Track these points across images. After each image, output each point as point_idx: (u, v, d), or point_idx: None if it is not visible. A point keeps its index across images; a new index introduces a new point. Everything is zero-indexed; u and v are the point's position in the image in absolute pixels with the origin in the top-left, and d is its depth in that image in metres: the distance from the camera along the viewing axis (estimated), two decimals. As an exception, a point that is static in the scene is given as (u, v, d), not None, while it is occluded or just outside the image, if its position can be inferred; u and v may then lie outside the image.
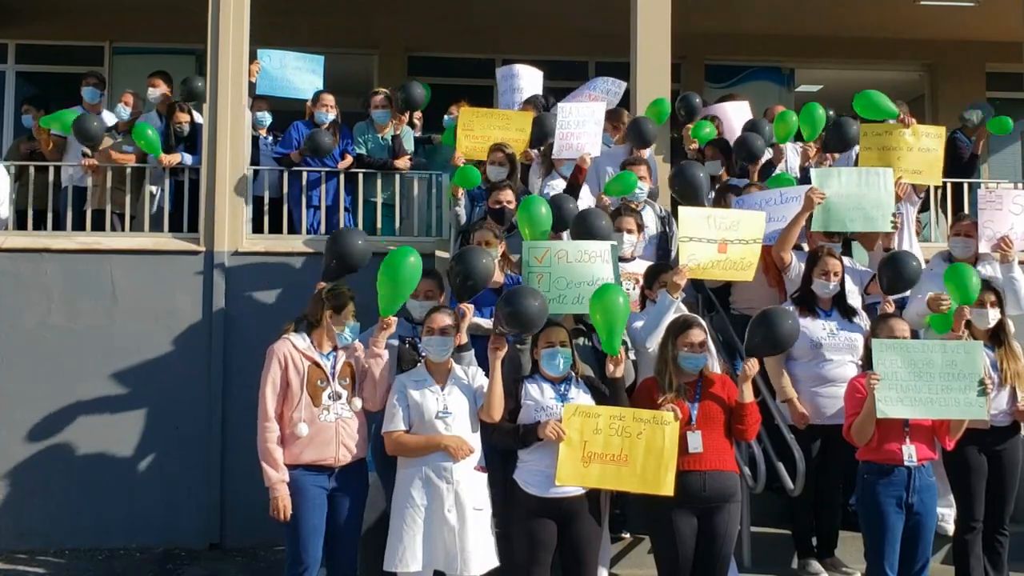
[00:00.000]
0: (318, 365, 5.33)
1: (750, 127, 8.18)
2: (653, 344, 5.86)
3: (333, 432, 5.27)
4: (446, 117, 9.12)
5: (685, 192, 7.01)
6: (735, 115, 9.00)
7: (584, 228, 6.26)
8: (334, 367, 5.35)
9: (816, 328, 6.26)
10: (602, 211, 6.66)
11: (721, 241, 6.10)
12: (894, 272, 6.36)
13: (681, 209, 6.32)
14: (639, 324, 6.01)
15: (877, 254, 7.14)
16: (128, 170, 8.65)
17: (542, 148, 7.86)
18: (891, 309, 6.27)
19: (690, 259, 6.06)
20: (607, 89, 8.59)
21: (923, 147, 7.43)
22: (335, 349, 5.41)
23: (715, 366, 5.76)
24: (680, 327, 5.43)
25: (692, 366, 5.35)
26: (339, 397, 5.31)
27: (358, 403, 5.36)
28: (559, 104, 7.94)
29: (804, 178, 8.00)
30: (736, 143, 8.14)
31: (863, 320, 6.38)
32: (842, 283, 6.38)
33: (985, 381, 5.28)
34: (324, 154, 8.52)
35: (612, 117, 8.45)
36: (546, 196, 7.04)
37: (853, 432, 5.43)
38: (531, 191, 7.58)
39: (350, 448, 5.32)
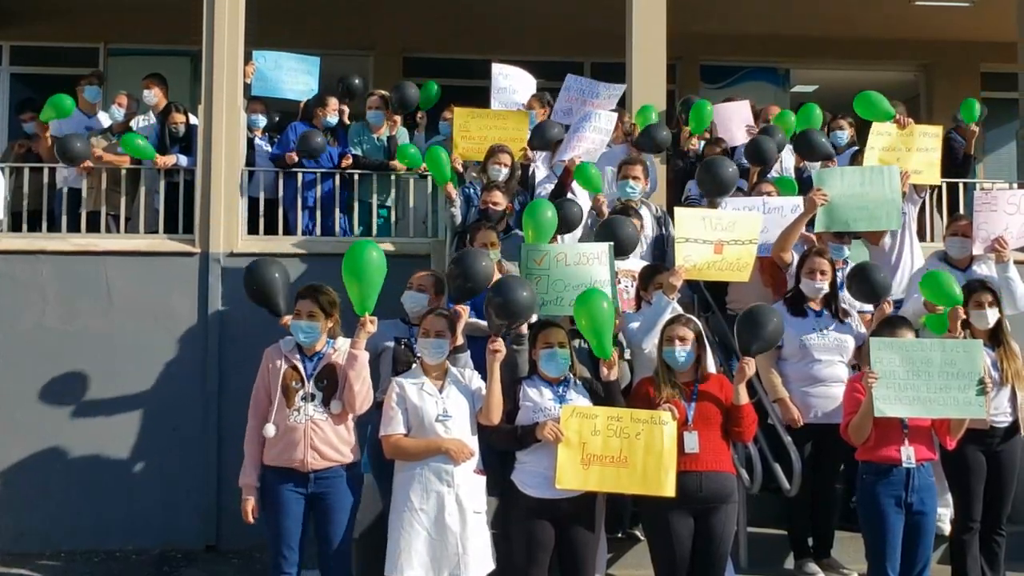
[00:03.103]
0: (295, 367, 5.30)
1: (763, 134, 8.13)
2: (649, 345, 5.87)
3: (300, 434, 5.20)
4: (442, 122, 9.13)
5: (714, 190, 6.95)
6: (734, 115, 8.99)
7: (610, 235, 6.28)
8: (313, 369, 5.30)
9: (806, 328, 6.26)
10: (628, 219, 6.64)
11: (717, 242, 6.09)
12: (859, 283, 6.34)
13: (677, 210, 6.32)
14: (635, 325, 6.02)
15: (881, 251, 7.14)
16: (123, 172, 8.64)
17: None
18: (890, 310, 6.26)
19: (686, 260, 6.06)
20: (610, 94, 8.56)
21: (922, 147, 7.44)
22: (321, 352, 5.35)
23: (711, 366, 5.76)
24: (666, 324, 5.47)
25: (674, 360, 5.34)
26: (312, 399, 5.25)
27: (336, 406, 5.27)
28: (590, 112, 7.82)
29: (799, 179, 8.02)
30: (747, 147, 8.09)
31: (855, 322, 6.38)
32: (833, 283, 6.38)
33: (985, 380, 5.29)
34: (317, 155, 8.50)
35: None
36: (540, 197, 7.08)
37: (850, 431, 5.43)
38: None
39: (322, 452, 5.22)
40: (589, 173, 7.09)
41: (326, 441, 5.24)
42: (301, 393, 5.26)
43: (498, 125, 7.81)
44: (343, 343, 5.35)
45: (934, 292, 5.98)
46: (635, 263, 6.59)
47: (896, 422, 5.34)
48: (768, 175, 8.02)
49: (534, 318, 5.68)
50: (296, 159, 8.58)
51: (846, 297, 6.63)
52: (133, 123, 9.15)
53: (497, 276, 6.16)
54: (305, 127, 8.86)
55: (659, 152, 7.91)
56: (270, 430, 5.23)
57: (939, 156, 7.49)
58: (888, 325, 5.68)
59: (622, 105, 8.86)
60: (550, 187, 7.47)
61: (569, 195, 7.32)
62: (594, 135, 7.37)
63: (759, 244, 6.45)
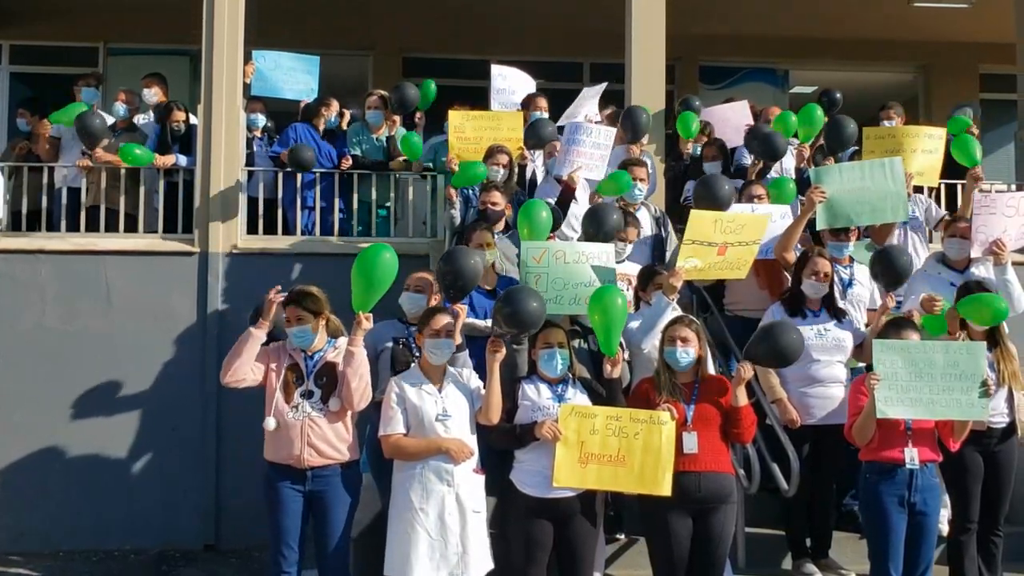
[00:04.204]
0: (296, 364, 5.34)
1: (757, 134, 8.12)
2: (648, 345, 5.88)
3: (298, 431, 5.23)
4: (446, 122, 9.13)
5: (710, 205, 6.84)
6: (732, 115, 8.99)
7: (596, 223, 6.26)
8: (313, 367, 5.33)
9: (804, 328, 6.25)
10: (614, 206, 6.64)
11: (722, 244, 6.08)
12: (884, 267, 6.35)
13: (693, 212, 6.30)
14: (635, 325, 6.02)
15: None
16: (122, 171, 8.62)
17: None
18: (892, 304, 6.25)
19: (687, 260, 6.06)
20: (593, 94, 8.54)
21: (926, 149, 7.42)
22: (321, 351, 5.38)
23: (711, 367, 5.76)
24: (668, 324, 5.49)
25: (675, 361, 5.35)
26: (311, 396, 5.28)
27: (335, 404, 5.30)
28: (578, 123, 7.76)
29: (799, 179, 8.03)
30: (756, 139, 8.07)
31: (852, 321, 6.39)
32: (832, 284, 6.39)
33: (988, 382, 5.29)
34: (306, 169, 8.51)
35: (610, 119, 8.48)
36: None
37: (854, 432, 5.43)
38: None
39: (319, 449, 5.25)
40: (621, 181, 7.07)
41: (323, 438, 5.26)
42: (300, 390, 5.29)
43: (493, 126, 7.84)
44: (344, 342, 5.37)
45: (981, 307, 5.87)
46: (631, 266, 6.59)
47: (899, 423, 5.34)
48: (767, 175, 8.03)
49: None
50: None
51: (854, 294, 6.63)
52: (135, 119, 9.15)
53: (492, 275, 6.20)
54: (305, 127, 8.87)
55: (639, 138, 7.89)
56: (271, 423, 5.27)
57: (941, 158, 7.49)
58: (894, 326, 5.66)
59: (620, 106, 8.88)
60: (552, 199, 7.43)
61: (573, 203, 7.29)
62: (593, 151, 7.30)
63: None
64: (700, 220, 6.11)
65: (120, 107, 9.02)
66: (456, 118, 7.88)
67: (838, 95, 9.45)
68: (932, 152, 7.44)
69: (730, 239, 6.06)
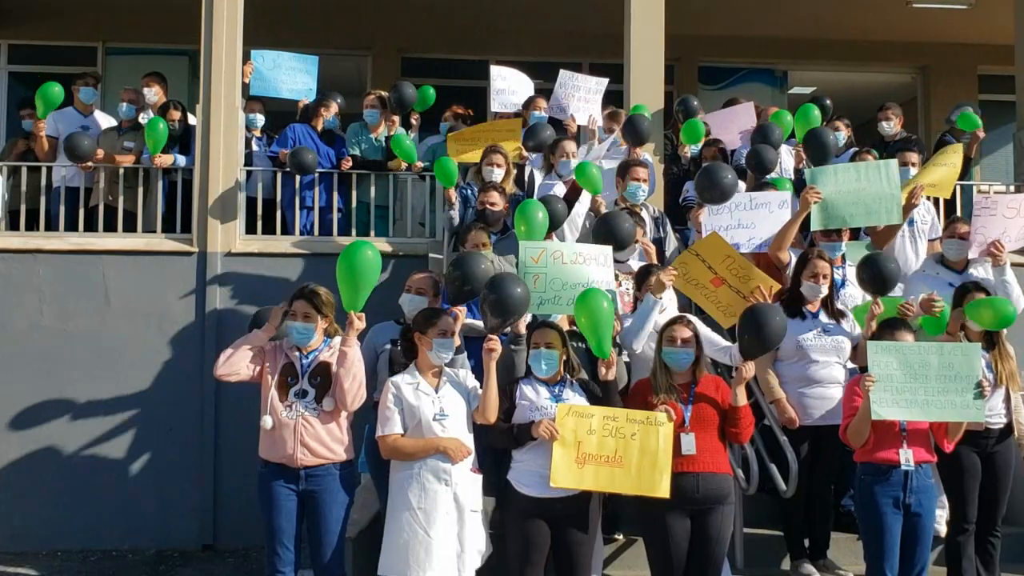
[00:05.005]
0: (292, 363, 5.34)
1: (761, 134, 8.10)
2: (639, 345, 5.87)
3: (291, 430, 5.24)
4: (442, 124, 9.14)
5: (713, 196, 6.87)
6: (737, 118, 8.96)
7: (607, 230, 6.26)
8: (308, 365, 5.34)
9: (803, 329, 6.25)
10: (626, 214, 6.63)
11: (720, 278, 6.06)
12: (870, 274, 6.34)
13: (712, 234, 6.28)
14: (625, 326, 6.01)
15: (890, 252, 7.13)
16: (121, 171, 8.62)
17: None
18: (879, 311, 6.24)
19: (681, 265, 6.07)
20: (594, 87, 8.57)
21: (943, 162, 7.43)
22: (317, 350, 5.39)
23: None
24: (666, 324, 5.47)
25: (674, 362, 5.35)
26: (305, 395, 5.29)
27: (329, 404, 5.30)
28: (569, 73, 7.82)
29: (798, 179, 8.02)
30: (748, 156, 8.07)
31: (850, 322, 6.39)
32: (831, 285, 6.38)
33: (983, 383, 5.29)
34: (307, 172, 8.50)
35: (611, 117, 8.48)
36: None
37: (849, 433, 5.43)
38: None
39: (312, 449, 5.25)
40: (590, 173, 7.05)
41: (316, 438, 5.26)
42: (294, 389, 5.29)
43: (490, 127, 7.88)
44: (339, 343, 5.36)
45: (994, 310, 5.85)
46: (637, 264, 6.59)
47: (894, 425, 5.33)
48: (766, 176, 8.02)
49: (528, 317, 5.68)
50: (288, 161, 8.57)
51: (846, 294, 6.63)
52: (140, 118, 9.15)
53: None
54: (304, 127, 8.87)
55: (642, 144, 7.91)
56: (267, 421, 5.27)
57: (957, 172, 7.49)
58: (888, 327, 5.65)
59: (620, 106, 8.88)
60: (554, 186, 7.44)
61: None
62: (587, 95, 7.33)
63: (755, 241, 6.43)
64: (715, 244, 6.09)
65: (125, 106, 9.02)
66: (453, 139, 8.00)
67: (828, 102, 9.41)
68: (949, 165, 7.43)
69: (730, 280, 6.05)
